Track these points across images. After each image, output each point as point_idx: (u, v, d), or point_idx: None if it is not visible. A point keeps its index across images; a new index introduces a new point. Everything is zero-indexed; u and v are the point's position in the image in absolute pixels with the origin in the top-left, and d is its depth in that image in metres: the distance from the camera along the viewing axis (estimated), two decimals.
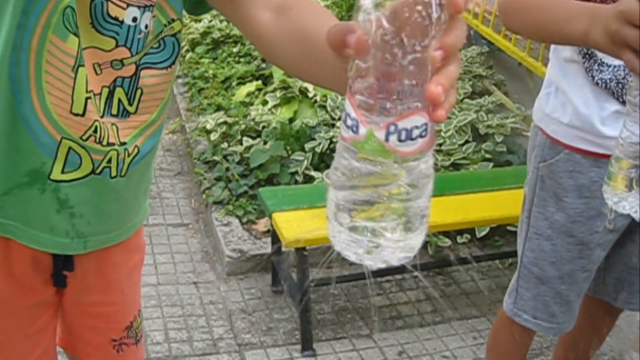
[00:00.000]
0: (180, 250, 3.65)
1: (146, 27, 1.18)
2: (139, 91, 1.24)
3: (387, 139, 0.71)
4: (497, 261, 3.57)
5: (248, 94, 4.73)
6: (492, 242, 3.64)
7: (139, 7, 1.16)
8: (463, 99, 4.39)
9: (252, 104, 4.58)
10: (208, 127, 4.30)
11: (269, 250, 3.30)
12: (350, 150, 0.74)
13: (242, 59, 5.23)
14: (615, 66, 1.72)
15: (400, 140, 0.71)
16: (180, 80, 5.32)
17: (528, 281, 2.04)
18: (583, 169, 1.85)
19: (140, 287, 1.67)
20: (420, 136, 0.71)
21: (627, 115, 1.22)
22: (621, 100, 1.73)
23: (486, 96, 4.54)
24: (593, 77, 1.76)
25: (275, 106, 4.43)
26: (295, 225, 2.85)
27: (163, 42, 1.24)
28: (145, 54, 1.22)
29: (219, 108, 4.68)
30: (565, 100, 1.83)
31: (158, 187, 4.17)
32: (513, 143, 4.04)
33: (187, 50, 5.63)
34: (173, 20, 1.23)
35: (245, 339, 3.04)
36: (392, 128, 0.71)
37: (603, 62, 1.73)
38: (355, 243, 0.77)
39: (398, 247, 0.77)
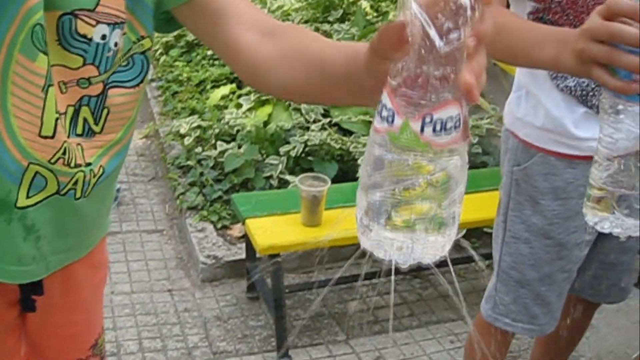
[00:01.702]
0: (154, 257, 3.61)
1: (115, 44, 1.14)
2: (105, 110, 1.19)
3: (422, 130, 0.71)
4: (473, 263, 3.55)
5: (222, 97, 4.69)
6: (469, 244, 3.62)
7: (108, 24, 1.11)
8: None
9: (226, 107, 4.53)
10: (182, 131, 4.25)
11: (243, 256, 3.26)
12: (384, 143, 0.74)
13: (216, 62, 5.18)
14: None
15: (434, 132, 0.71)
16: (153, 84, 5.27)
17: (507, 285, 2.02)
18: (558, 171, 1.83)
19: (102, 303, 1.62)
20: (455, 127, 0.72)
21: (601, 130, 1.20)
22: (589, 104, 1.73)
23: None
24: (557, 84, 1.76)
25: (249, 109, 4.39)
26: (269, 231, 2.81)
27: (132, 60, 1.19)
28: (113, 72, 1.18)
29: (193, 112, 4.64)
30: (537, 104, 1.82)
31: (132, 193, 4.13)
32: (488, 144, 4.02)
33: (161, 54, 5.58)
34: (143, 37, 1.19)
35: (220, 346, 3.00)
36: (427, 118, 0.71)
37: None
38: (387, 240, 0.76)
39: (430, 244, 0.76)
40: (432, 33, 0.70)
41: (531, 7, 1.67)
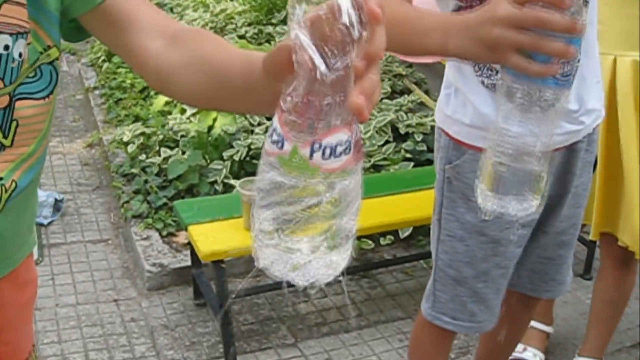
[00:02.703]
0: (99, 267, 3.55)
1: (20, 55, 1.10)
2: (14, 123, 1.16)
3: (311, 156, 0.72)
4: (422, 261, 3.56)
5: (166, 103, 4.64)
6: (416, 242, 3.64)
7: (10, 34, 1.08)
8: (382, 99, 4.37)
9: (170, 113, 4.49)
10: (125, 138, 4.20)
11: (189, 263, 3.23)
12: (274, 166, 0.74)
13: None
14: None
15: (324, 157, 0.72)
16: (97, 92, 5.21)
17: (444, 283, 2.02)
18: None
19: (32, 320, 1.58)
20: (344, 153, 0.72)
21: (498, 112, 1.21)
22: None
23: (405, 95, 4.54)
24: (483, 81, 1.76)
25: (194, 114, 4.35)
26: (212, 237, 2.79)
27: (40, 70, 1.16)
28: (20, 84, 1.14)
29: (137, 118, 4.59)
30: (465, 101, 1.81)
31: (76, 203, 4.07)
32: (433, 142, 4.02)
33: (104, 61, 5.52)
34: (49, 47, 1.16)
35: (167, 355, 2.97)
36: (316, 145, 0.72)
37: (492, 67, 1.73)
38: (280, 260, 0.77)
39: (323, 264, 0.77)
40: (317, 60, 0.70)
41: (454, 5, 1.67)
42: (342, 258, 0.79)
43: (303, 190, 0.74)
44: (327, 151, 0.72)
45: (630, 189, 2.40)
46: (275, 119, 0.74)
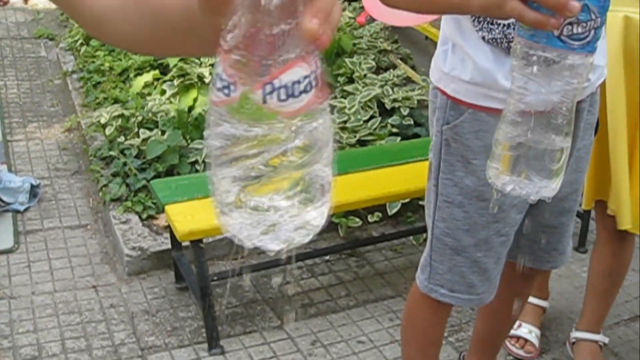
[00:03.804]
0: (78, 253, 3.43)
1: None
2: None
3: (264, 100, 0.62)
4: (411, 237, 3.45)
5: (146, 85, 4.52)
6: (405, 218, 3.53)
7: None
8: (366, 74, 4.25)
9: (150, 95, 4.37)
10: (103, 121, 4.07)
11: (170, 245, 3.10)
12: (224, 118, 0.64)
13: None
14: (504, 24, 1.60)
15: (280, 100, 0.62)
16: (75, 76, 5.08)
17: (442, 253, 1.90)
18: (490, 127, 1.70)
19: None
20: (305, 91, 0.62)
21: (513, 82, 1.10)
22: None
23: (391, 70, 4.41)
24: (484, 37, 1.65)
25: (173, 95, 4.23)
26: (190, 216, 2.66)
27: None
28: None
29: (116, 101, 4.46)
30: (464, 56, 1.70)
31: (54, 189, 3.94)
32: (420, 115, 3.92)
33: (82, 44, 5.39)
34: None
35: (148, 341, 2.85)
36: (268, 87, 0.62)
37: (493, 21, 1.61)
38: (248, 224, 0.67)
39: (299, 223, 0.67)
40: None
41: None
42: (318, 213, 0.68)
43: (262, 141, 0.63)
44: (283, 92, 0.62)
45: (617, 154, 2.28)
46: (218, 62, 0.64)
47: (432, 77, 1.83)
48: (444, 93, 1.77)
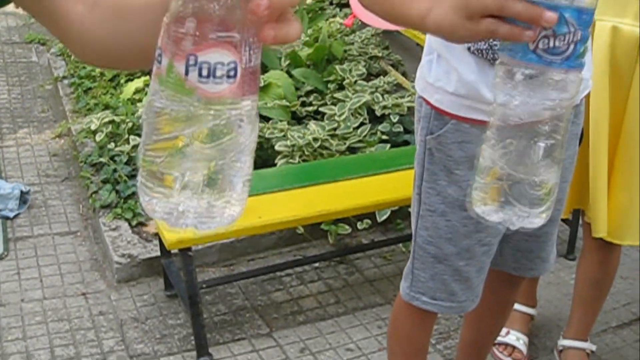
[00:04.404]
0: (67, 260, 3.43)
1: None
2: None
3: (186, 72, 0.64)
4: (400, 245, 3.46)
5: (137, 91, 4.52)
6: (395, 225, 3.53)
7: None
8: (357, 80, 4.26)
9: (140, 101, 4.36)
10: (93, 127, 4.06)
11: (159, 252, 3.11)
12: (155, 88, 0.67)
13: None
14: None
15: (200, 77, 0.64)
16: (65, 81, 5.07)
17: (424, 261, 1.92)
18: (472, 138, 1.73)
19: None
20: (227, 77, 0.64)
21: (495, 99, 1.05)
22: None
23: (381, 77, 4.42)
24: (469, 47, 1.66)
25: None
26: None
27: None
28: None
29: (106, 107, 4.45)
30: (449, 68, 1.72)
31: (44, 195, 3.94)
32: (410, 122, 3.91)
33: None
34: None
35: (137, 349, 2.85)
36: (191, 59, 0.64)
37: None
38: (158, 204, 0.69)
39: (200, 210, 0.68)
40: None
41: None
42: (224, 204, 0.69)
43: (175, 119, 0.65)
44: (204, 69, 0.63)
45: (597, 163, 2.29)
46: (160, 34, 0.67)
47: (417, 86, 1.84)
48: (428, 103, 1.79)
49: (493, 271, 2.04)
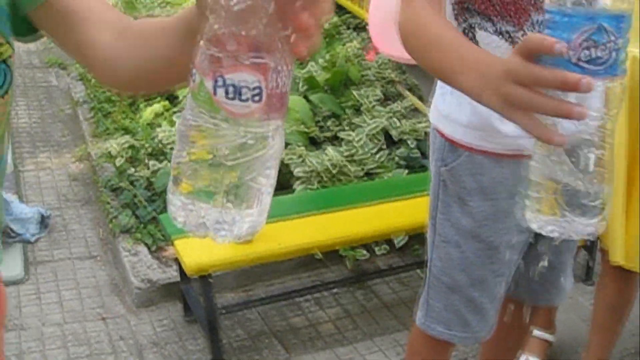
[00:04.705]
0: (87, 284, 3.46)
1: None
2: None
3: (214, 92, 0.68)
4: (418, 270, 3.46)
5: (155, 115, 4.56)
6: (412, 250, 3.54)
7: None
8: (374, 105, 4.28)
9: (159, 125, 4.40)
10: (112, 152, 4.11)
11: (179, 277, 3.13)
12: (189, 103, 0.71)
13: None
14: None
15: (227, 96, 0.67)
16: (85, 106, 5.12)
17: (438, 291, 1.93)
18: (485, 170, 1.75)
19: (3, 345, 1.49)
20: (253, 99, 0.67)
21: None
22: None
23: (398, 101, 4.45)
24: None
25: None
26: (199, 250, 2.69)
27: None
28: None
29: (126, 131, 4.50)
30: (462, 100, 1.73)
31: (64, 219, 3.97)
32: (427, 147, 3.93)
33: None
34: (1, 44, 1.08)
35: None
36: (219, 80, 0.67)
37: None
38: (183, 213, 0.73)
39: (221, 219, 0.72)
40: None
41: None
42: (246, 216, 0.73)
43: (207, 131, 0.69)
44: (231, 90, 0.67)
45: (614, 189, 2.30)
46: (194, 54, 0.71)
47: (431, 117, 1.86)
48: (442, 135, 1.80)
49: (509, 300, 2.05)
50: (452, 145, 1.78)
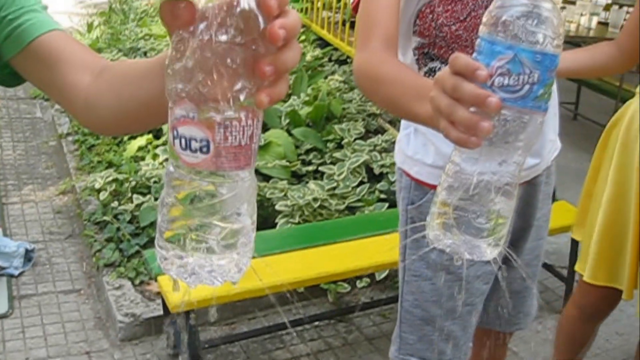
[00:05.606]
0: (71, 318, 3.48)
1: None
2: None
3: (173, 142, 0.72)
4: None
5: (139, 149, 4.61)
6: (393, 283, 3.59)
7: None
8: (356, 139, 4.35)
9: (143, 159, 4.45)
10: (97, 185, 4.15)
11: (162, 312, 3.16)
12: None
13: None
14: None
15: (181, 147, 0.71)
16: (70, 138, 5.17)
17: (411, 324, 1.98)
18: None
19: None
20: (201, 151, 0.70)
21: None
22: None
23: (379, 135, 4.52)
24: None
25: (167, 159, 4.31)
26: (182, 287, 2.72)
27: None
28: None
29: (110, 165, 4.54)
30: (426, 141, 1.80)
31: (48, 253, 4.00)
32: None
33: None
34: None
35: None
36: (175, 131, 0.71)
37: None
38: (167, 259, 0.77)
39: (206, 267, 0.76)
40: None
41: (417, 42, 1.66)
42: (228, 261, 0.77)
43: (174, 179, 0.73)
44: (183, 142, 0.71)
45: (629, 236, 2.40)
46: None
47: (397, 159, 1.92)
48: (408, 175, 1.87)
49: (480, 329, 2.12)
50: (418, 184, 1.84)
